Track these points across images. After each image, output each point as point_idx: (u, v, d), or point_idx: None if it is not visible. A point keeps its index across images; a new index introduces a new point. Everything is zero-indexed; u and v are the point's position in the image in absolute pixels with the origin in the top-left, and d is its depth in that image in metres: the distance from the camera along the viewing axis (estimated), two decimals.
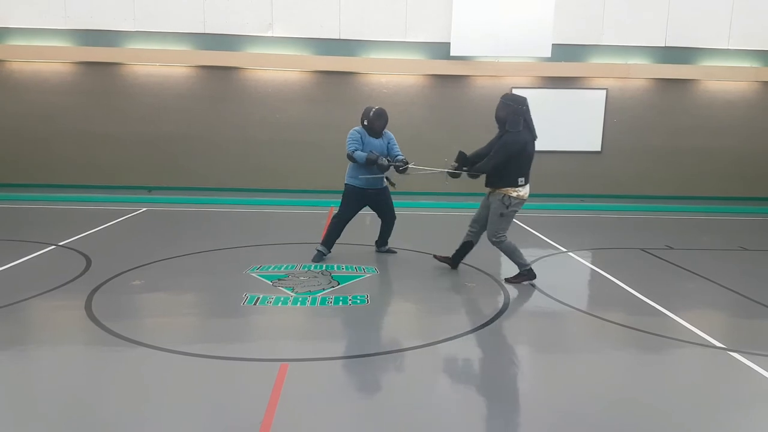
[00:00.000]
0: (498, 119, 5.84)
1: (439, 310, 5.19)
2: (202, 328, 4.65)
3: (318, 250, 6.64)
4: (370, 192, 6.65)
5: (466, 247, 6.29)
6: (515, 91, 12.34)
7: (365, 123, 6.63)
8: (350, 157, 6.52)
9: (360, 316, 4.91)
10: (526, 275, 5.95)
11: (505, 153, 5.64)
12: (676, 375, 3.95)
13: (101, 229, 8.08)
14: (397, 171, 6.55)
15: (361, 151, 6.46)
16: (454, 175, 6.10)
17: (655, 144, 12.73)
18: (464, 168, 6.00)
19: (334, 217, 6.78)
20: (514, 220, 6.06)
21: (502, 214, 5.80)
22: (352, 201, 6.67)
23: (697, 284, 6.18)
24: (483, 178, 5.90)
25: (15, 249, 6.69)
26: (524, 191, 5.83)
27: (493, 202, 5.84)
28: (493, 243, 5.93)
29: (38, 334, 4.43)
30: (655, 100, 12.61)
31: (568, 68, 12.16)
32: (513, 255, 5.93)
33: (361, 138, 6.57)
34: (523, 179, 5.78)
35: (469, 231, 6.23)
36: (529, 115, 5.84)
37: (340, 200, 6.76)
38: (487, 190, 6.00)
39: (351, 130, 6.67)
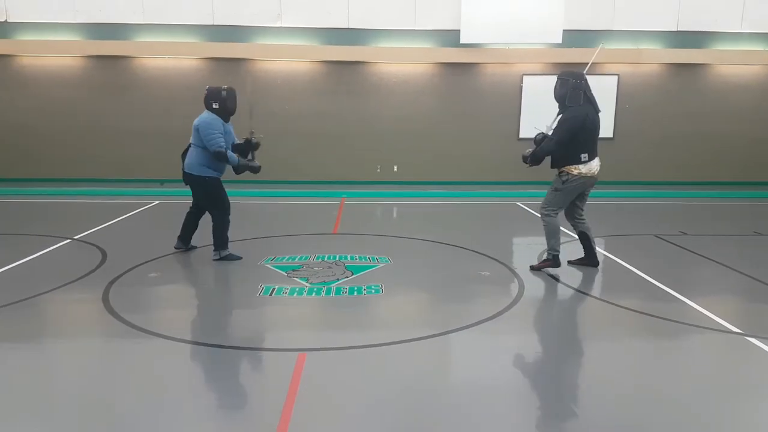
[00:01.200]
0: (558, 98, 5.70)
1: (453, 299, 5.19)
2: (219, 319, 4.69)
3: (221, 257, 6.08)
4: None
5: (582, 238, 6.05)
6: (526, 78, 12.29)
7: (215, 106, 5.88)
8: (220, 155, 5.78)
9: (375, 306, 4.92)
10: (551, 261, 5.85)
11: (566, 129, 5.51)
12: (694, 361, 3.93)
13: (115, 223, 8.14)
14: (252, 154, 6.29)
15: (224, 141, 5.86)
16: (524, 159, 5.88)
17: (668, 129, 12.61)
18: (527, 153, 5.83)
19: (222, 216, 6.05)
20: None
21: (557, 189, 5.72)
22: (220, 188, 6.05)
23: (712, 270, 6.15)
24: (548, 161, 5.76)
25: (31, 243, 6.76)
26: (587, 168, 5.60)
27: (555, 178, 5.77)
28: (542, 215, 5.85)
29: (57, 327, 4.48)
30: (667, 85, 12.49)
31: (579, 54, 12.03)
32: (552, 235, 5.79)
33: (222, 126, 5.90)
34: (586, 155, 5.57)
35: (572, 224, 6.06)
36: (590, 89, 5.68)
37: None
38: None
39: (208, 117, 5.84)
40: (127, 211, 8.95)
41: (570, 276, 5.74)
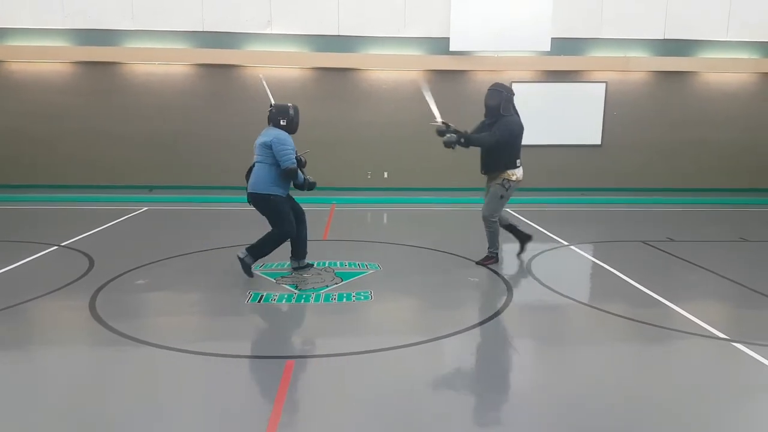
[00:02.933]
0: (491, 107, 6.13)
1: (442, 305, 5.20)
2: (206, 327, 4.67)
3: (242, 258, 5.71)
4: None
5: (510, 228, 6.63)
6: (515, 86, 12.33)
7: (282, 123, 5.69)
8: (292, 172, 5.59)
9: (364, 313, 4.92)
10: (494, 258, 6.40)
11: (509, 132, 5.99)
12: (680, 366, 3.96)
13: (103, 229, 8.09)
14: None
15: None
16: (445, 138, 6.01)
17: (655, 137, 12.74)
18: (456, 132, 6.04)
19: (281, 235, 5.70)
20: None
21: (502, 196, 6.18)
22: (285, 208, 5.74)
23: (698, 275, 6.20)
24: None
25: (17, 250, 6.70)
26: (520, 173, 6.21)
27: (492, 186, 6.20)
28: (487, 222, 6.27)
29: (43, 335, 4.44)
30: (654, 92, 12.62)
31: (567, 62, 12.16)
32: (496, 237, 6.35)
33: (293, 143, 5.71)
34: (519, 161, 6.18)
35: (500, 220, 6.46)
36: (514, 103, 6.23)
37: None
38: (485, 179, 6.33)
39: (281, 133, 5.61)
40: (116, 218, 8.91)
41: (557, 282, 5.77)
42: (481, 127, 6.28)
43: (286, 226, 5.68)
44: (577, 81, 12.45)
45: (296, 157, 5.67)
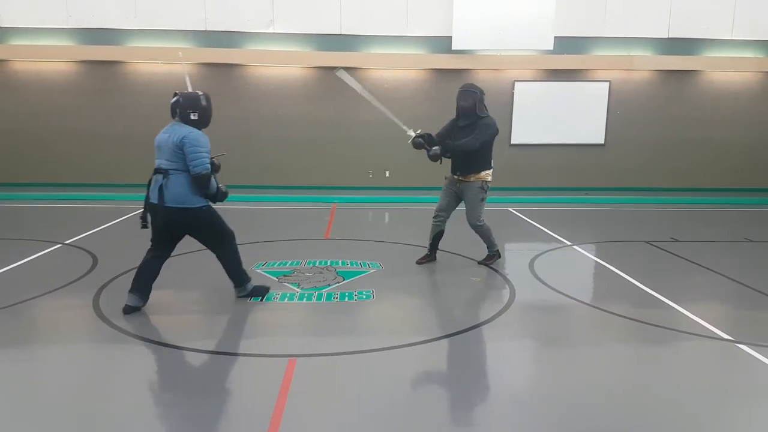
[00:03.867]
0: (464, 108, 6.05)
1: (444, 305, 5.19)
2: (209, 325, 4.66)
3: (249, 293, 5.05)
4: None
5: (438, 237, 6.47)
6: (518, 85, 12.35)
7: (193, 117, 4.69)
8: (204, 180, 4.49)
9: (366, 312, 4.92)
10: (495, 255, 6.41)
11: (490, 134, 5.98)
12: (684, 367, 3.95)
13: (106, 228, 8.10)
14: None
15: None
16: (431, 152, 6.10)
17: (659, 136, 12.69)
18: (429, 139, 6.21)
19: (231, 247, 4.90)
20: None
21: (482, 199, 6.15)
22: (215, 214, 4.81)
23: (702, 276, 6.18)
24: (447, 165, 6.25)
25: (21, 248, 6.71)
26: (492, 173, 6.21)
27: (471, 189, 6.12)
28: (476, 227, 6.25)
29: (47, 332, 4.45)
30: (658, 91, 12.57)
31: (570, 61, 12.12)
32: (490, 236, 6.34)
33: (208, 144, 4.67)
34: (493, 161, 6.17)
35: (436, 222, 6.38)
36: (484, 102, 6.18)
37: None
38: (454, 178, 6.24)
39: (194, 133, 4.59)
40: (119, 216, 8.92)
41: (560, 282, 5.76)
42: (451, 128, 6.19)
43: (227, 232, 4.86)
44: (580, 80, 12.41)
45: (210, 161, 4.59)
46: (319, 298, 5.17)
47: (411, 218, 9.57)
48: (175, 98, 4.74)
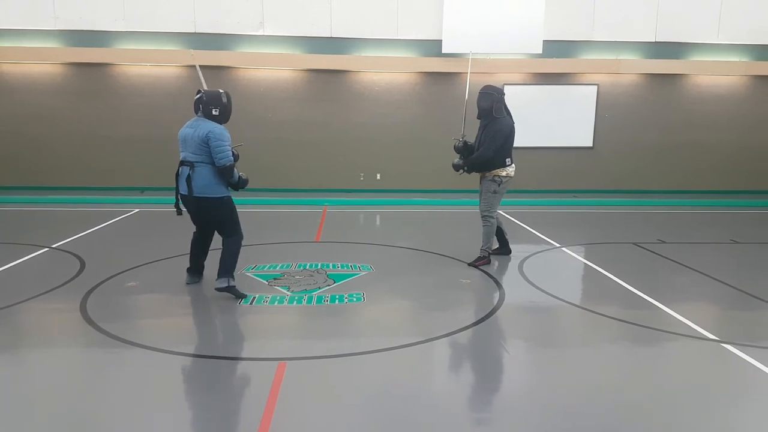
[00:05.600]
0: (483, 109, 6.36)
1: (434, 306, 5.20)
2: (198, 329, 4.65)
3: (229, 286, 5.16)
4: None
5: (499, 233, 6.82)
6: (507, 88, 12.37)
7: (215, 112, 5.05)
8: (228, 170, 4.98)
9: (356, 314, 4.92)
10: (486, 258, 6.49)
11: (502, 136, 6.24)
12: (670, 367, 3.98)
13: (94, 231, 8.05)
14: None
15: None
16: (454, 162, 6.54)
17: (647, 139, 12.80)
18: (462, 160, 6.54)
19: (239, 240, 5.29)
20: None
21: (495, 192, 6.40)
22: (233, 205, 5.25)
23: (689, 277, 6.23)
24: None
25: (7, 252, 6.66)
26: (511, 169, 6.43)
27: (485, 182, 6.41)
28: (483, 217, 6.48)
29: (34, 337, 4.41)
30: (645, 95, 12.68)
31: (559, 64, 12.21)
32: (491, 235, 6.48)
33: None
34: (509, 159, 6.38)
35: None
36: (505, 102, 6.44)
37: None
38: (477, 180, 6.57)
39: (217, 128, 4.98)
40: (107, 220, 8.86)
41: (549, 284, 5.79)
42: (481, 131, 6.50)
43: (239, 227, 5.29)
44: (569, 83, 12.50)
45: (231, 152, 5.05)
46: (310, 300, 5.16)
47: (402, 221, 9.58)
48: (198, 95, 5.12)
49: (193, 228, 5.52)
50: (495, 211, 6.48)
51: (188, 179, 4.93)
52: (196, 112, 5.10)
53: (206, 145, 4.89)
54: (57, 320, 4.71)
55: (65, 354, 4.09)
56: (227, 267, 5.15)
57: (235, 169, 5.09)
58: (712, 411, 3.38)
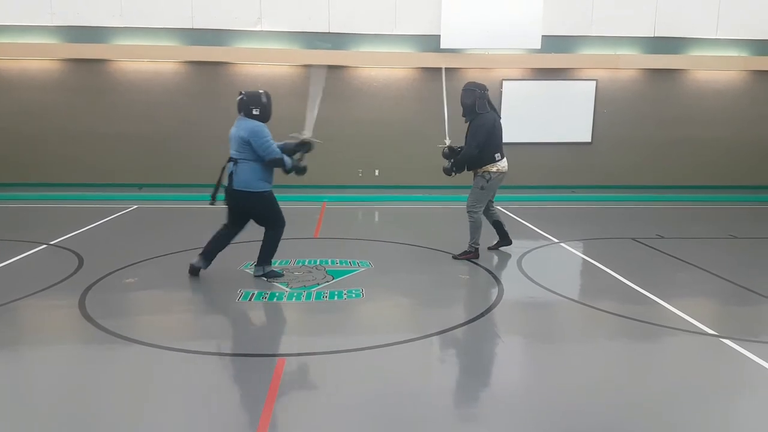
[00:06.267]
0: (466, 106, 6.36)
1: (433, 302, 5.20)
2: (197, 325, 4.65)
3: (265, 273, 5.63)
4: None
5: (497, 225, 6.84)
6: (505, 83, 12.39)
7: (255, 112, 5.47)
8: (278, 162, 5.41)
9: (355, 310, 4.92)
10: (473, 253, 6.49)
11: (483, 132, 6.23)
12: (669, 363, 3.98)
13: (92, 228, 8.03)
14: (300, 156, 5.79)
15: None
16: (448, 172, 6.55)
17: (645, 134, 12.79)
18: (451, 161, 6.53)
19: (280, 231, 5.65)
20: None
21: (482, 188, 6.38)
22: (274, 199, 5.61)
23: (688, 272, 6.24)
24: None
25: (5, 248, 6.64)
26: (501, 165, 6.39)
27: (474, 178, 6.47)
28: (469, 213, 6.46)
29: (32, 334, 4.40)
30: (644, 90, 12.67)
31: (557, 59, 12.19)
32: (477, 230, 6.47)
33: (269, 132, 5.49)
34: (499, 154, 6.35)
35: (489, 215, 6.76)
36: (489, 98, 6.45)
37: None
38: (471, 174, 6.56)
39: (256, 125, 5.40)
40: (105, 216, 8.84)
41: (548, 279, 5.79)
42: (449, 149, 6.59)
43: (281, 219, 5.61)
44: (568, 79, 12.48)
45: (304, 141, 5.75)
46: (309, 297, 5.16)
47: (400, 217, 9.58)
48: (240, 96, 5.49)
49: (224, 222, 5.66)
50: (481, 207, 6.46)
51: (231, 174, 5.34)
52: (239, 113, 5.47)
53: (247, 144, 5.29)
54: (56, 317, 4.71)
55: (64, 350, 4.08)
56: (264, 257, 5.60)
57: (286, 158, 5.46)
58: (711, 406, 3.38)
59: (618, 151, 12.79)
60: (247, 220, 5.62)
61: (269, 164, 5.38)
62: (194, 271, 5.62)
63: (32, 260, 6.32)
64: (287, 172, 5.56)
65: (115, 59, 11.72)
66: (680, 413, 3.25)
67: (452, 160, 6.49)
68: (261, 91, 5.53)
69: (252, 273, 5.72)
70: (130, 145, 12.05)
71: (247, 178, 5.33)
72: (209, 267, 5.68)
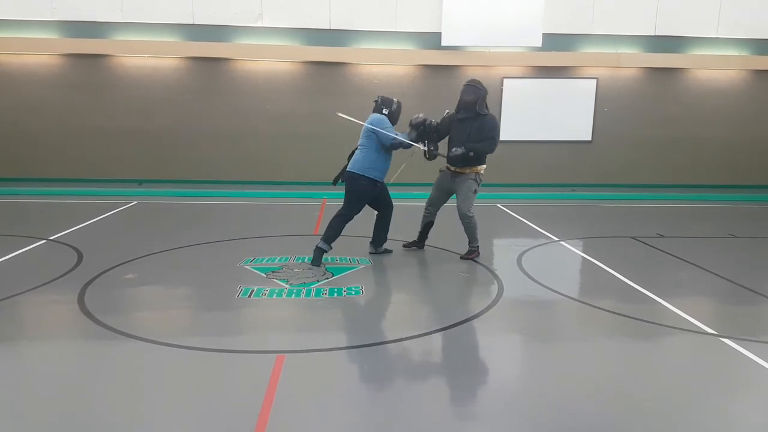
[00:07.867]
0: (468, 102, 6.21)
1: (433, 300, 5.20)
2: (196, 321, 4.64)
3: (319, 247, 6.03)
4: (380, 184, 6.28)
5: (428, 227, 6.83)
6: (506, 81, 12.37)
7: (385, 111, 6.19)
8: (396, 145, 6.11)
9: (355, 307, 4.92)
10: (476, 251, 6.46)
11: (497, 132, 6.28)
12: (669, 361, 3.99)
13: (92, 223, 8.02)
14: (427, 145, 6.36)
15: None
16: (451, 153, 6.28)
17: (646, 133, 12.78)
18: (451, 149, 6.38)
19: (340, 216, 6.16)
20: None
21: (475, 191, 6.36)
22: (366, 195, 6.19)
23: (688, 271, 6.24)
24: (441, 160, 6.49)
25: (5, 244, 6.63)
26: (484, 167, 6.43)
27: (464, 181, 6.33)
28: (466, 218, 6.37)
29: (31, 329, 4.40)
30: (645, 89, 12.66)
31: (558, 58, 12.17)
32: (475, 231, 6.45)
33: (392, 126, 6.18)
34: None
35: (426, 213, 6.80)
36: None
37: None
38: (449, 171, 6.48)
39: (382, 119, 6.10)
40: (105, 212, 8.83)
41: (547, 277, 5.79)
42: (450, 121, 6.40)
43: (355, 210, 6.13)
44: (568, 77, 12.46)
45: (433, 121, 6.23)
46: (308, 293, 5.15)
47: (400, 214, 9.55)
48: (376, 99, 6.35)
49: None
50: (473, 209, 6.38)
51: (352, 157, 6.23)
52: (373, 113, 6.23)
53: (372, 133, 6.02)
54: (55, 312, 4.70)
55: (63, 346, 4.08)
56: (327, 234, 6.05)
57: (407, 141, 6.14)
58: (711, 405, 3.38)
59: (618, 150, 12.79)
60: (378, 202, 6.38)
61: (391, 148, 6.09)
62: (318, 254, 6.00)
63: (31, 256, 6.31)
64: (409, 146, 6.23)
65: (115, 54, 11.69)
66: (679, 412, 3.25)
67: (427, 140, 6.35)
68: (395, 99, 6.30)
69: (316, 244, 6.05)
70: (130, 140, 12.04)
71: (363, 163, 6.06)
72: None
